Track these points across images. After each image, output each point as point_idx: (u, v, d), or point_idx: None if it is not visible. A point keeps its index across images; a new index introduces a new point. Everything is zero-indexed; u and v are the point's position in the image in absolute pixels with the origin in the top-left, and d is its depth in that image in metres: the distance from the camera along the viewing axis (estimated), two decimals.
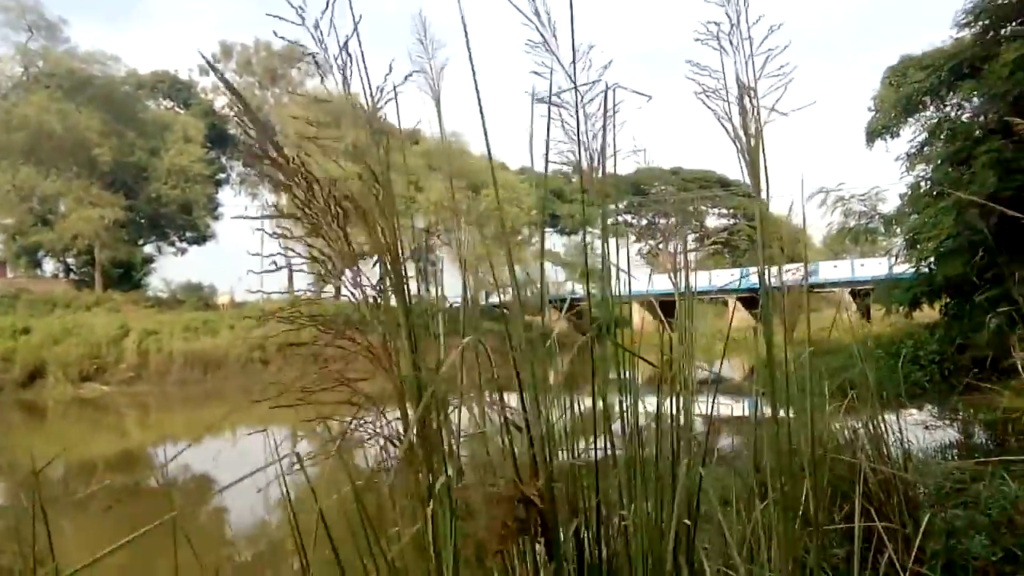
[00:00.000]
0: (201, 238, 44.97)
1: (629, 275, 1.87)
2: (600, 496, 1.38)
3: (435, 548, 1.15)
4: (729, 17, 1.44)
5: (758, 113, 1.41)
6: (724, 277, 35.74)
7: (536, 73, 1.53)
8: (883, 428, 3.75)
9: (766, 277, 1.83)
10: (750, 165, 1.42)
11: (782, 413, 2.55)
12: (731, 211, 56.16)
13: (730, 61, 1.45)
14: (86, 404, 23.97)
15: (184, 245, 45.29)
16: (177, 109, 45.92)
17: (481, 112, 1.58)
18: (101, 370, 26.53)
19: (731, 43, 1.44)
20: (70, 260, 41.74)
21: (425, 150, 40.11)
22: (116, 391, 25.85)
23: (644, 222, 56.70)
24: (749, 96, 1.42)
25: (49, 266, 43.03)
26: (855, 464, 3.14)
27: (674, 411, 1.77)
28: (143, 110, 40.09)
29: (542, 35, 1.53)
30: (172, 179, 39.24)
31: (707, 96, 1.42)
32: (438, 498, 1.15)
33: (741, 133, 1.42)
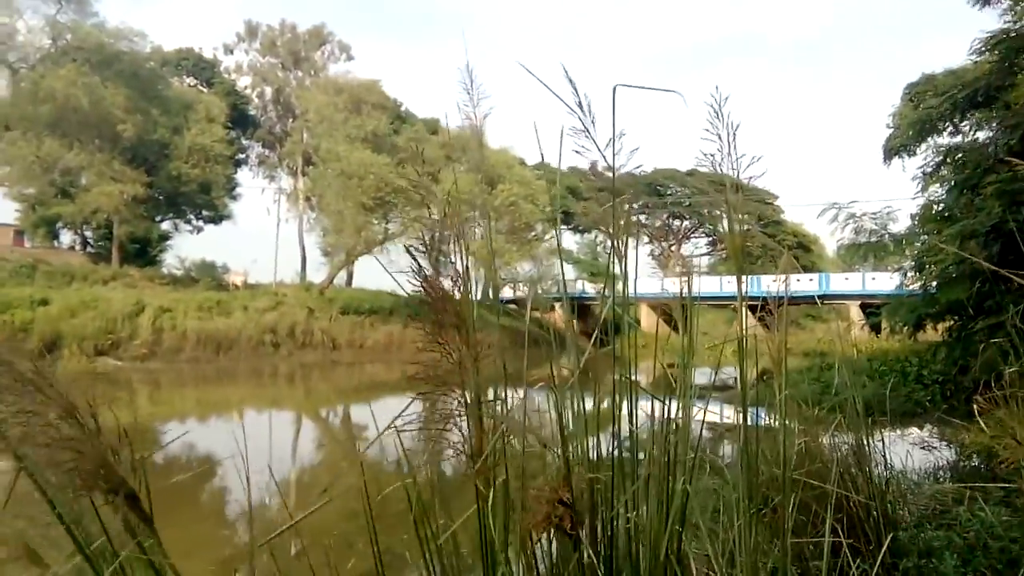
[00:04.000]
0: (218, 217, 45.40)
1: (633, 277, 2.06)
2: (613, 503, 1.66)
3: (485, 533, 1.45)
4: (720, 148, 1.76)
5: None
6: (736, 284, 35.84)
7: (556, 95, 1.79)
8: (868, 449, 3.97)
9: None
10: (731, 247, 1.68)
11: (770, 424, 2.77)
12: (745, 216, 55.76)
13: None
14: (99, 378, 24.33)
15: (200, 223, 45.76)
16: (200, 88, 46.27)
17: None
18: (115, 345, 26.94)
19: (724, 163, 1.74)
20: (88, 233, 42.29)
21: (444, 142, 40.38)
22: (129, 367, 26.26)
23: (658, 223, 56.83)
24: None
25: (66, 238, 43.70)
26: (839, 481, 3.38)
27: (674, 417, 1.97)
28: (167, 87, 40.38)
29: None
30: (193, 158, 39.59)
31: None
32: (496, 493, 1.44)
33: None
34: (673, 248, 57.49)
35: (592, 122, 1.98)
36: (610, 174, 1.89)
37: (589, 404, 1.96)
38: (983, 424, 4.11)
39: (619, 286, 2.04)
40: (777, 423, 2.71)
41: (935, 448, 8.00)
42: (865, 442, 3.92)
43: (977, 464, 7.23)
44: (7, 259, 33.02)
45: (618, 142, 1.82)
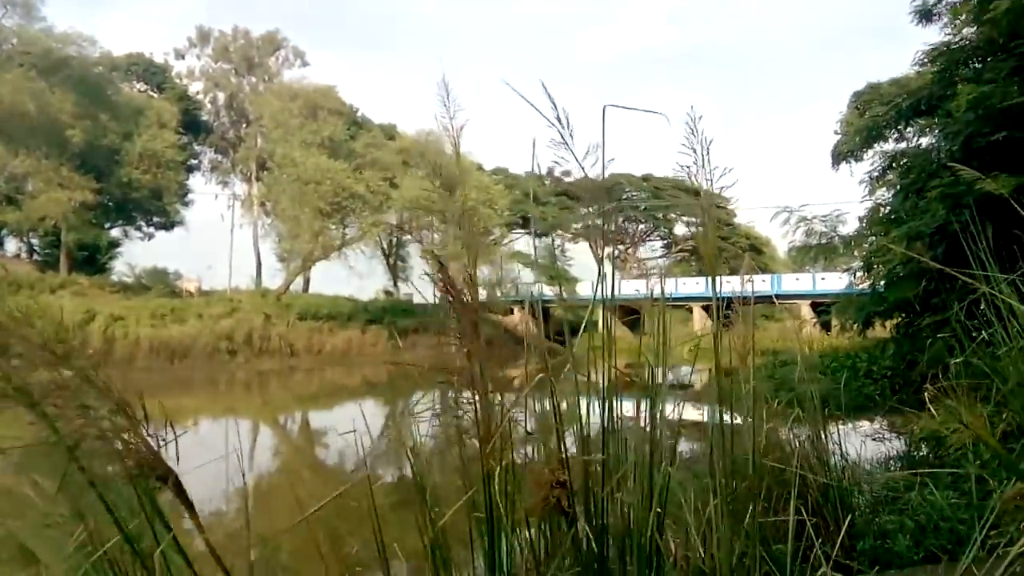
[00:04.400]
0: (169, 224, 44.63)
1: (601, 279, 2.20)
2: (604, 486, 1.82)
3: (492, 512, 1.59)
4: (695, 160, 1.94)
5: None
6: (690, 285, 36.60)
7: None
8: (825, 440, 4.20)
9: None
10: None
11: (735, 420, 2.95)
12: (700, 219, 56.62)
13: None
14: None
15: (151, 230, 44.94)
16: (151, 93, 45.43)
17: None
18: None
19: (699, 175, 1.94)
20: (34, 241, 41.27)
21: (401, 147, 40.31)
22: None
23: (613, 227, 57.11)
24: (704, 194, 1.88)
25: (11, 246, 42.60)
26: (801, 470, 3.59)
27: (654, 410, 2.12)
28: (116, 92, 39.57)
29: None
30: (144, 163, 38.87)
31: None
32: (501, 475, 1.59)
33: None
34: (630, 251, 57.96)
35: (571, 135, 2.15)
36: (568, 179, 2.06)
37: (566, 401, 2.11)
38: (933, 411, 4.37)
39: (599, 289, 2.18)
40: (741, 417, 2.89)
41: (886, 439, 8.28)
42: (822, 434, 4.16)
43: (926, 453, 7.53)
44: None
45: (589, 152, 1.99)
